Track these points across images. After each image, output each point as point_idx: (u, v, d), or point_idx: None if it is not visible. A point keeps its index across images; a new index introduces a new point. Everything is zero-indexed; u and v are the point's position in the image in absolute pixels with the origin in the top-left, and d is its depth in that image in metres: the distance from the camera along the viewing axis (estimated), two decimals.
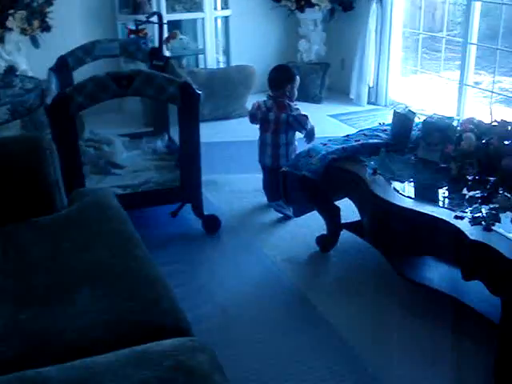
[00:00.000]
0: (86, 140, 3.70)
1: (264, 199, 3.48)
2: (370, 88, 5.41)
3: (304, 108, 3.50)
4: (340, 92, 5.67)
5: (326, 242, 2.91)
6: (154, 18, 3.81)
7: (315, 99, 5.46)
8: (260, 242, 3.06)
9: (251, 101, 5.06)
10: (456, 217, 2.15)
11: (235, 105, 5.03)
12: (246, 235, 3.14)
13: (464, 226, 2.08)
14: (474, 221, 2.10)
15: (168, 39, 4.89)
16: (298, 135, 3.34)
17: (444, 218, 2.15)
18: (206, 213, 3.15)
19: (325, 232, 2.94)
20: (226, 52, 5.51)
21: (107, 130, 4.01)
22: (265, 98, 3.36)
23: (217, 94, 4.86)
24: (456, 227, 2.08)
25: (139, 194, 3.07)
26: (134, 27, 4.58)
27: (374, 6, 5.08)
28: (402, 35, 5.32)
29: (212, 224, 3.14)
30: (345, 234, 2.90)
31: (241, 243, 3.06)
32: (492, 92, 4.70)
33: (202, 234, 3.14)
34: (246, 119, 4.78)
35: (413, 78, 5.95)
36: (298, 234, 3.11)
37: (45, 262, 1.86)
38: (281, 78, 3.23)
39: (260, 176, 3.52)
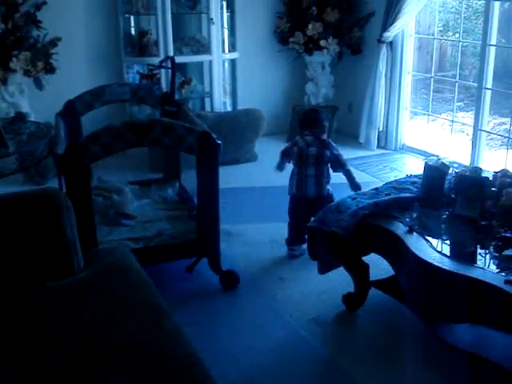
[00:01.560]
0: (94, 188, 3.52)
1: (283, 250, 3.32)
2: (379, 132, 5.31)
3: None
4: (348, 135, 5.56)
5: (354, 301, 2.74)
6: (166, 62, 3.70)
7: None
8: (282, 299, 2.87)
9: (259, 145, 4.98)
10: (506, 281, 1.99)
11: (243, 149, 4.89)
12: (267, 292, 2.96)
13: None
14: None
15: (182, 85, 4.76)
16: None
17: (494, 283, 2.00)
18: (222, 266, 2.98)
19: (350, 289, 2.77)
20: (233, 95, 5.40)
21: (112, 175, 3.85)
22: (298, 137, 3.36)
23: (225, 139, 4.69)
24: (509, 294, 1.92)
25: (153, 249, 2.89)
26: (143, 71, 4.45)
27: (385, 50, 5.01)
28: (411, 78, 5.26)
29: (230, 280, 2.96)
30: (371, 291, 2.74)
31: (262, 301, 2.88)
32: (510, 138, 4.59)
33: (220, 290, 2.95)
34: (255, 164, 4.65)
35: (415, 120, 5.89)
36: (322, 290, 2.92)
37: (64, 338, 1.68)
38: (318, 118, 3.37)
39: (275, 225, 3.43)
